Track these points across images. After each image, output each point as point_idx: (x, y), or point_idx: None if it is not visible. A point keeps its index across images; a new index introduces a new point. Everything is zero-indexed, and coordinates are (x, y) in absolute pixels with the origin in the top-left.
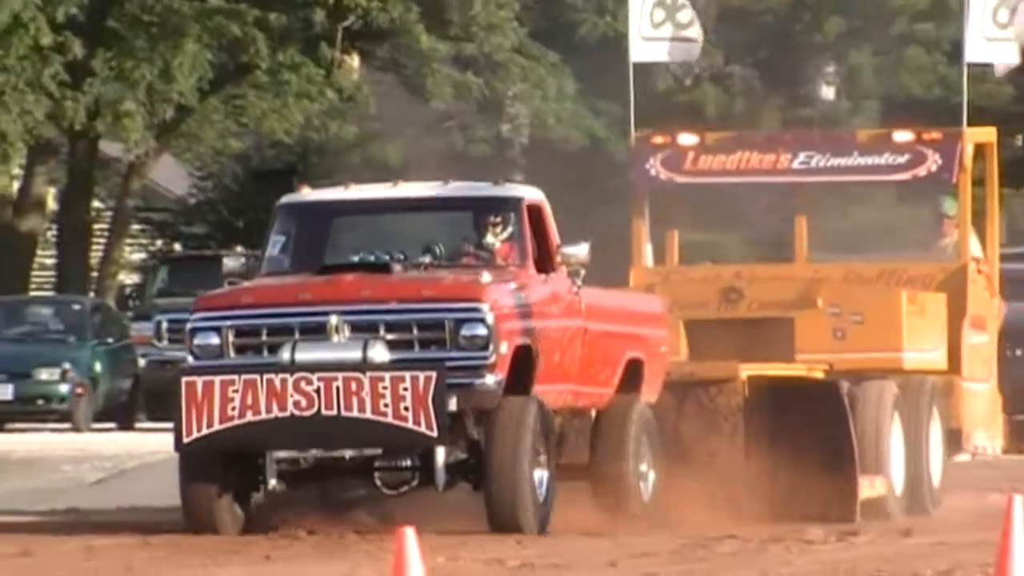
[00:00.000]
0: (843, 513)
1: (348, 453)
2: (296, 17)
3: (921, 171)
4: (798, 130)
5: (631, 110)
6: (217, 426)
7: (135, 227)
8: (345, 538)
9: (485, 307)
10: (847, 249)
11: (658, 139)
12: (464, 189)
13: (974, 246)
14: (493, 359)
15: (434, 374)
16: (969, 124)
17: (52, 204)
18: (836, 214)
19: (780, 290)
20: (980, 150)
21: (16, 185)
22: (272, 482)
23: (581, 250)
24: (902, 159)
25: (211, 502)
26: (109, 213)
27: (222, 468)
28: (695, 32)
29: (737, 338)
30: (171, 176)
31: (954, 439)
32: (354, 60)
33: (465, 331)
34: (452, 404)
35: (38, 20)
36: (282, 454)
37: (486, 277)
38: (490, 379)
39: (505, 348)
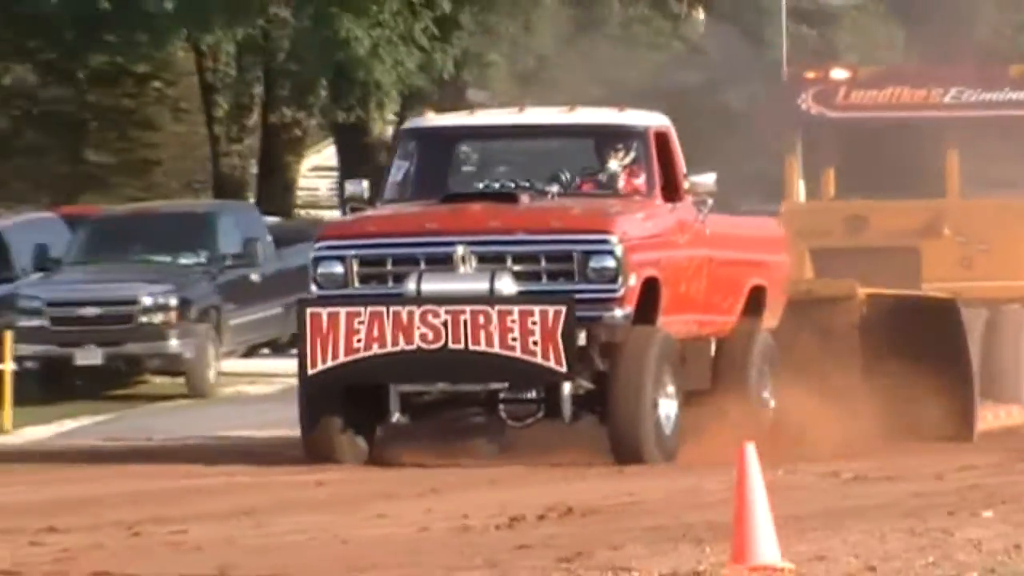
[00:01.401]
0: (961, 433)
1: (488, 386)
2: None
3: None
4: (950, 64)
5: (783, 44)
6: (343, 358)
7: None
8: None
9: (614, 239)
10: (999, 184)
11: (810, 74)
12: (589, 115)
13: None
14: (622, 292)
15: (564, 308)
16: None
17: None
18: (989, 149)
19: (907, 220)
20: None
21: (391, 131)
22: (396, 415)
23: (708, 179)
24: None
25: (333, 434)
26: None
27: (344, 400)
28: None
29: (864, 267)
30: None
31: None
32: (699, 13)
33: (594, 263)
34: (581, 338)
35: None
36: (406, 387)
37: (615, 208)
38: (619, 312)
39: (634, 280)
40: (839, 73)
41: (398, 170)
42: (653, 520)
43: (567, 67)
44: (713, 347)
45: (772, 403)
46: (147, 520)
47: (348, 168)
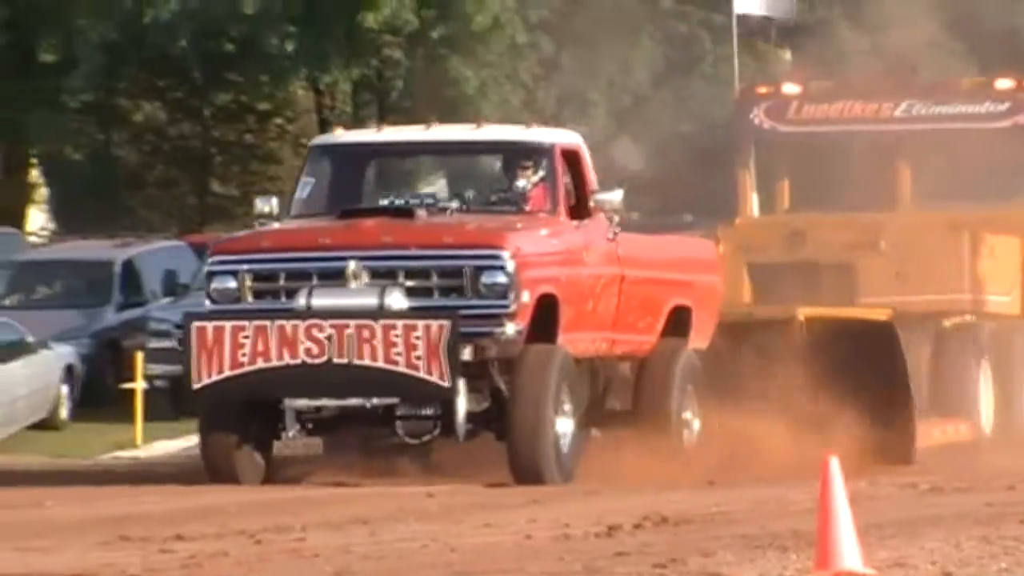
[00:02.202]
0: (901, 456)
1: (372, 401)
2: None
3: (1020, 118)
4: (900, 77)
5: (735, 61)
6: (228, 372)
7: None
8: None
9: (506, 255)
10: (952, 197)
11: (762, 89)
12: (495, 132)
13: None
14: (513, 308)
15: (448, 323)
16: None
17: None
18: (938, 161)
19: (844, 234)
20: None
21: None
22: (292, 431)
23: (615, 196)
24: (1003, 107)
25: (231, 451)
26: None
27: (241, 416)
28: None
29: (800, 282)
30: (627, 154)
31: None
32: (786, 53)
33: (485, 278)
34: (467, 353)
35: (514, 21)
36: (299, 402)
37: (512, 224)
38: (510, 328)
39: (527, 297)
40: (791, 88)
41: (304, 186)
42: (741, 529)
43: (662, 104)
44: (634, 367)
45: (696, 424)
46: (268, 529)
47: None
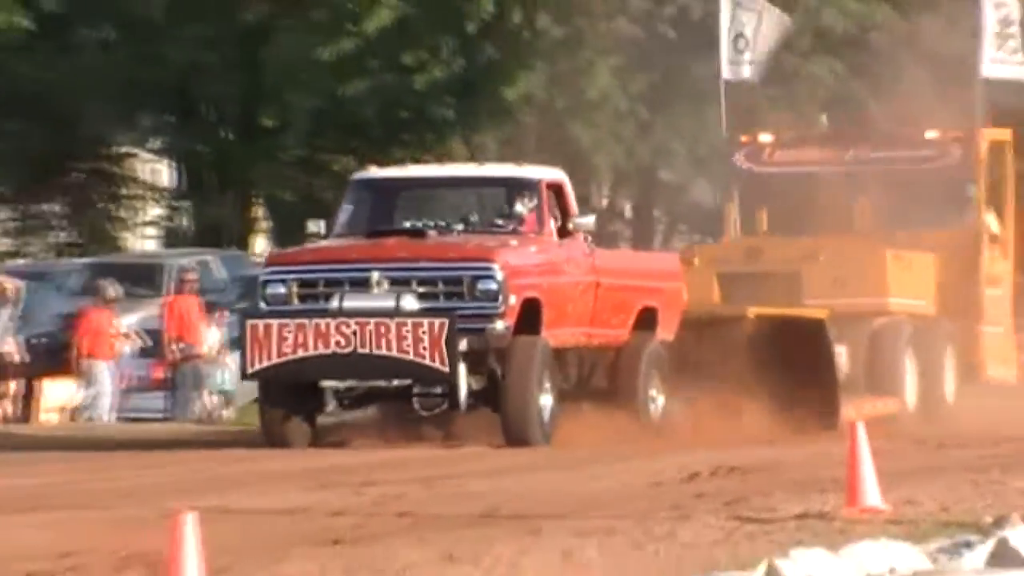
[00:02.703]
0: (828, 423)
1: (392, 382)
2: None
3: (946, 161)
4: (850, 128)
5: (723, 115)
6: (275, 359)
7: None
8: None
9: (496, 266)
10: (892, 223)
11: (743, 137)
12: (495, 170)
13: (992, 222)
14: (503, 308)
15: (447, 320)
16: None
17: None
18: (881, 195)
19: (792, 250)
20: (998, 146)
21: (605, 202)
22: (330, 406)
23: (589, 220)
24: (931, 152)
25: (283, 421)
26: None
27: (290, 394)
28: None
29: (758, 287)
30: (703, 192)
31: (971, 371)
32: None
33: (480, 285)
34: (464, 345)
35: (617, 94)
36: (331, 383)
37: (504, 242)
38: (500, 325)
39: (514, 300)
40: (765, 137)
41: (345, 212)
42: (792, 475)
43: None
44: (612, 355)
45: (660, 399)
46: (440, 476)
47: None
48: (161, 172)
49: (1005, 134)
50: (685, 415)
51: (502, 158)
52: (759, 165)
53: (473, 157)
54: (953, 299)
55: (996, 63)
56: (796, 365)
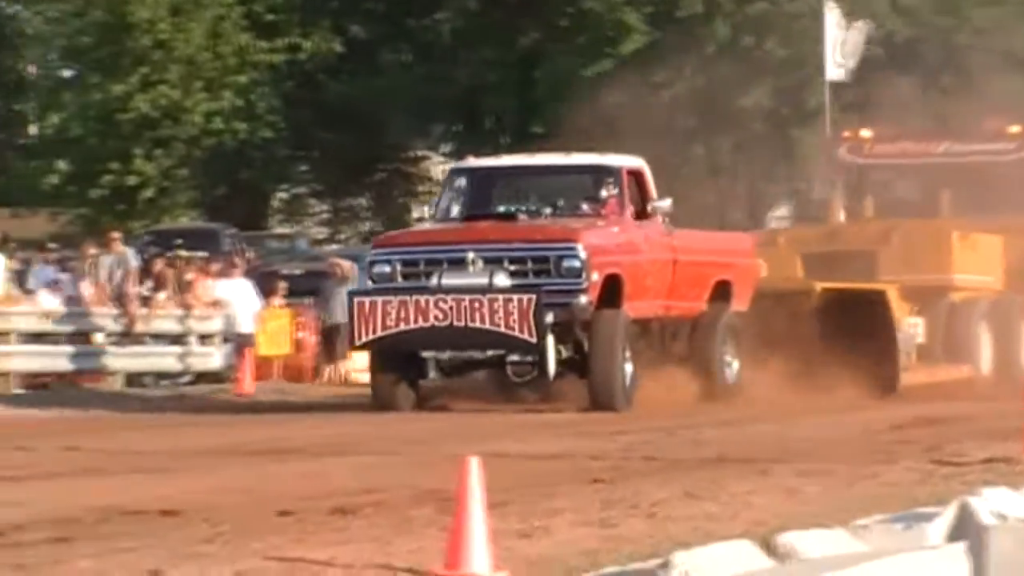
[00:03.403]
0: (887, 388)
1: (487, 352)
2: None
3: None
4: (937, 125)
5: (827, 113)
6: (380, 332)
7: None
8: None
9: (579, 246)
10: (977, 209)
11: (846, 133)
12: (581, 159)
13: None
14: (586, 284)
15: (535, 296)
16: None
17: None
18: (968, 184)
19: (868, 232)
20: None
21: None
22: (432, 373)
23: (665, 203)
24: (1012, 145)
25: (390, 387)
26: None
27: (397, 363)
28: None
29: (837, 266)
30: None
31: None
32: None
33: (564, 264)
34: (550, 318)
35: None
36: (431, 354)
37: (587, 224)
38: (583, 299)
39: (596, 276)
40: (865, 132)
41: (444, 199)
42: (981, 427)
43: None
44: (690, 324)
45: (735, 365)
46: (679, 427)
47: None
48: None
49: None
50: (759, 380)
51: (734, 162)
52: (860, 157)
53: (711, 160)
54: None
55: None
56: (860, 335)
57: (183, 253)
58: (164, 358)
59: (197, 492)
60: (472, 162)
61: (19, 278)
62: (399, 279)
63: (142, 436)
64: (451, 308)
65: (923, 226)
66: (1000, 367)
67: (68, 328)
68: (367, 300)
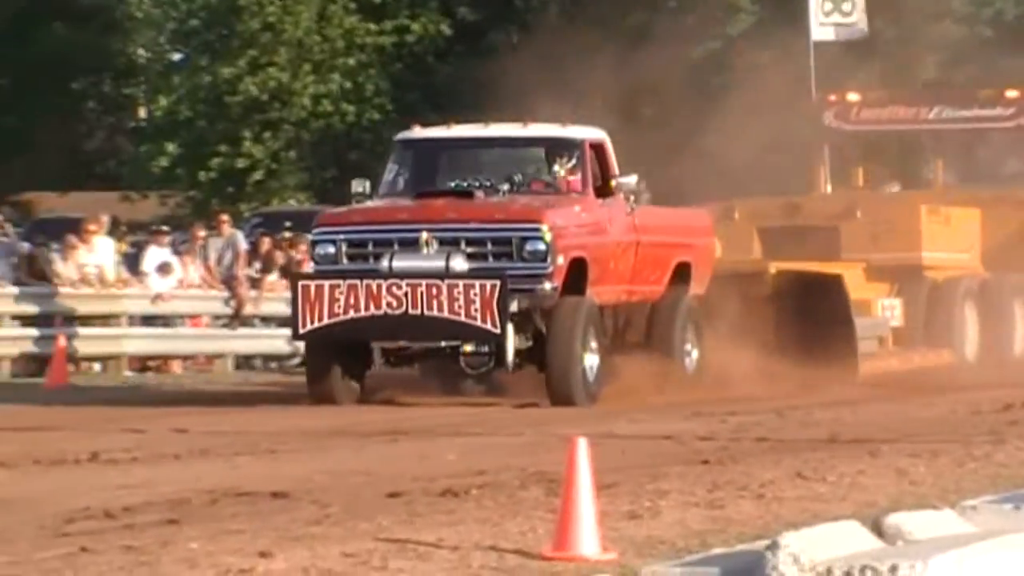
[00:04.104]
0: (847, 376)
1: (443, 343)
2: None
3: None
4: (933, 88)
5: (811, 76)
6: (326, 320)
7: None
8: None
9: (544, 227)
10: (969, 178)
11: (832, 97)
12: (539, 130)
13: None
14: (551, 269)
15: (499, 282)
16: None
17: None
18: (961, 152)
19: (830, 206)
20: None
21: None
22: (377, 364)
23: (631, 179)
24: (1010, 110)
25: (329, 380)
26: None
27: (338, 352)
28: (856, 17)
29: (798, 241)
30: None
31: None
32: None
33: (529, 246)
34: (514, 306)
35: None
36: (378, 344)
37: (549, 203)
38: (548, 285)
39: (561, 260)
40: (853, 96)
41: (390, 172)
42: None
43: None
44: (648, 309)
45: (695, 352)
46: (789, 408)
47: None
48: None
49: None
50: (718, 366)
51: None
52: (847, 123)
53: None
54: None
55: None
56: (816, 320)
57: (291, 235)
58: (273, 340)
59: (306, 474)
60: (419, 132)
61: (130, 261)
62: (344, 261)
63: (251, 418)
64: (405, 294)
65: (890, 199)
66: (986, 353)
67: (178, 311)
68: (313, 284)
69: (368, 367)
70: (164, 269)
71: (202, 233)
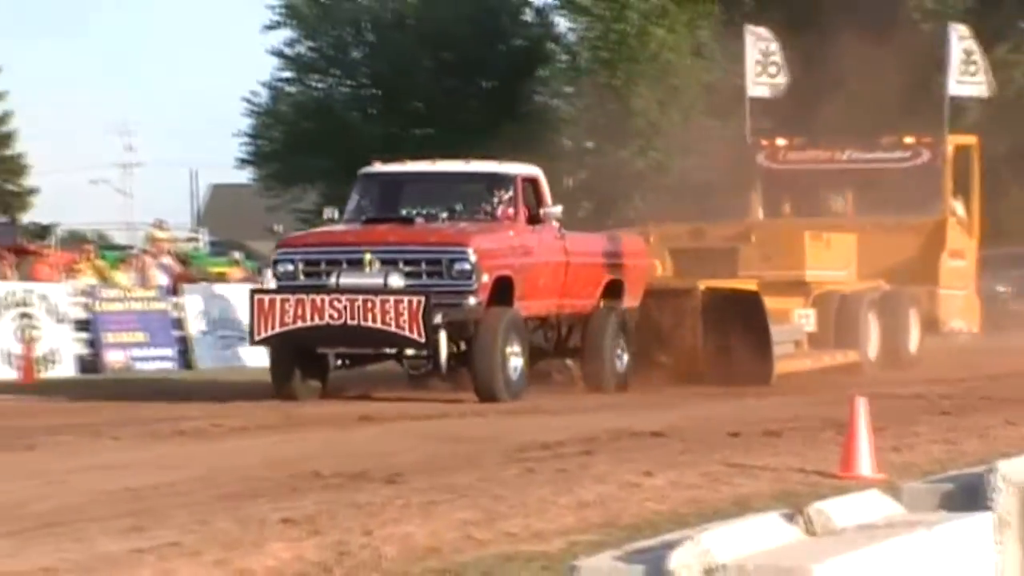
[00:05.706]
0: (762, 380)
1: (384, 349)
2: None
3: (919, 161)
4: (843, 136)
5: (747, 123)
6: (277, 329)
7: None
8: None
9: (470, 250)
10: (877, 210)
11: (764, 142)
12: (480, 166)
13: (959, 208)
14: (475, 286)
15: (423, 298)
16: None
17: None
18: (869, 187)
19: (730, 231)
20: (963, 148)
21: None
22: (334, 365)
23: (556, 209)
24: (907, 153)
25: (290, 381)
26: None
27: (297, 356)
28: (781, 79)
29: (702, 261)
30: None
31: (932, 326)
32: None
33: (456, 266)
34: (440, 318)
35: None
36: (322, 350)
37: (480, 229)
38: (472, 300)
39: (486, 278)
40: (780, 141)
41: (352, 201)
42: None
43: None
44: (583, 320)
45: (625, 358)
46: (1002, 375)
47: None
48: None
49: (971, 139)
50: (646, 372)
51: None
52: (776, 163)
53: None
54: (922, 270)
55: (960, 84)
56: (738, 331)
57: None
58: None
59: (674, 420)
60: (378, 167)
61: None
62: (301, 278)
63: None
64: (345, 307)
65: (779, 225)
66: (886, 353)
67: None
68: (266, 297)
69: (326, 369)
70: None
71: None
